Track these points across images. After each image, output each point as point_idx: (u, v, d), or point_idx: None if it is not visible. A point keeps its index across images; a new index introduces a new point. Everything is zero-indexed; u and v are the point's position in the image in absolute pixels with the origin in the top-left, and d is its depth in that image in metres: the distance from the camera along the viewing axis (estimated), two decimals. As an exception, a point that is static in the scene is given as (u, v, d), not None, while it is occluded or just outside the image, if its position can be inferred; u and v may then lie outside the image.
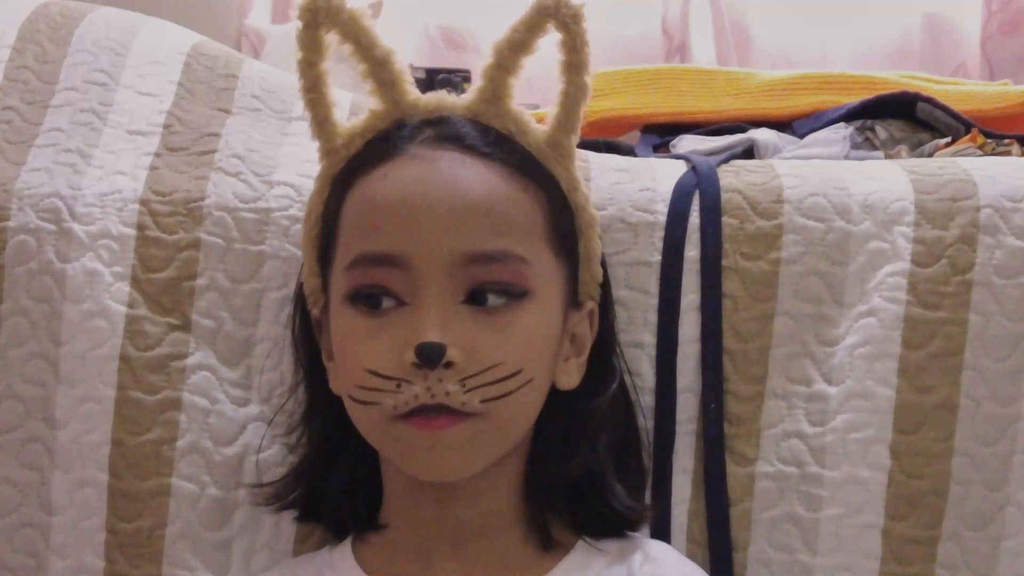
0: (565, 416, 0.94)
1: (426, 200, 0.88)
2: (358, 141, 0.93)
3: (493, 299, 0.88)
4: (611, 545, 0.95)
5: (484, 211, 0.89)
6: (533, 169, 0.92)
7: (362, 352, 0.89)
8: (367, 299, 0.89)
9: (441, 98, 0.94)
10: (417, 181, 0.89)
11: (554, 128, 0.93)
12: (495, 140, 0.92)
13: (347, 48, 0.92)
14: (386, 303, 0.89)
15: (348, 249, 0.91)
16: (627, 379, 0.99)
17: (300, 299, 0.99)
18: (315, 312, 0.97)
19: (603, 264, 0.98)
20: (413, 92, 0.94)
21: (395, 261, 0.88)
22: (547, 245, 0.92)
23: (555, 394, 0.94)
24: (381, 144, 0.92)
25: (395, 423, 0.88)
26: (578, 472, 0.94)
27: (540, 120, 0.95)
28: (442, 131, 0.92)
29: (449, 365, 0.86)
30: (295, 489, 0.98)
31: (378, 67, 0.92)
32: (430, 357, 0.86)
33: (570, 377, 0.95)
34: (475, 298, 0.88)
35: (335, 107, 0.94)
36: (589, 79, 0.92)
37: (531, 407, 0.91)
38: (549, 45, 0.92)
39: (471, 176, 0.90)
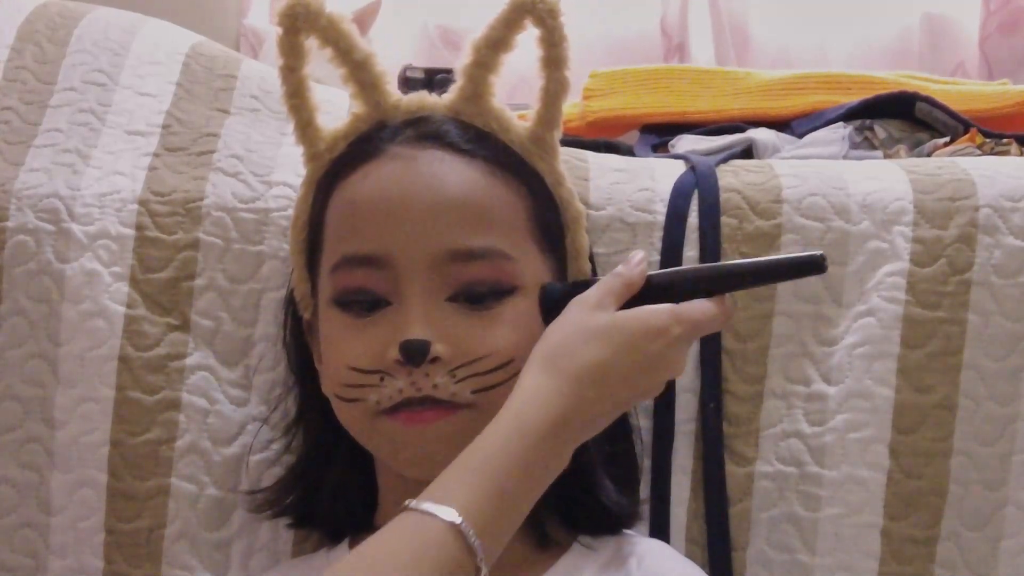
0: None
1: (406, 198, 0.88)
2: (341, 144, 0.93)
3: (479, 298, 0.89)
4: (608, 543, 0.94)
5: (464, 207, 0.89)
6: (515, 165, 0.92)
7: (346, 350, 0.89)
8: (356, 305, 0.89)
9: (422, 98, 0.94)
10: (396, 180, 0.89)
11: (536, 124, 0.93)
12: (475, 137, 0.92)
13: (327, 52, 0.91)
14: (375, 310, 0.89)
15: (332, 252, 0.91)
16: None
17: (291, 304, 0.99)
18: (306, 316, 0.97)
19: (591, 259, 0.98)
20: (395, 94, 0.94)
21: (378, 261, 0.88)
22: (532, 240, 0.92)
23: None
24: (362, 145, 0.92)
25: (380, 418, 0.88)
26: (569, 467, 0.94)
27: (525, 120, 0.95)
28: (422, 130, 0.92)
29: (435, 360, 0.86)
30: (289, 494, 0.98)
31: (359, 70, 0.92)
32: (414, 354, 0.86)
33: None
34: (459, 299, 0.88)
35: (318, 111, 0.93)
36: (569, 73, 0.92)
37: None
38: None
39: (451, 173, 0.90)
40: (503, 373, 0.87)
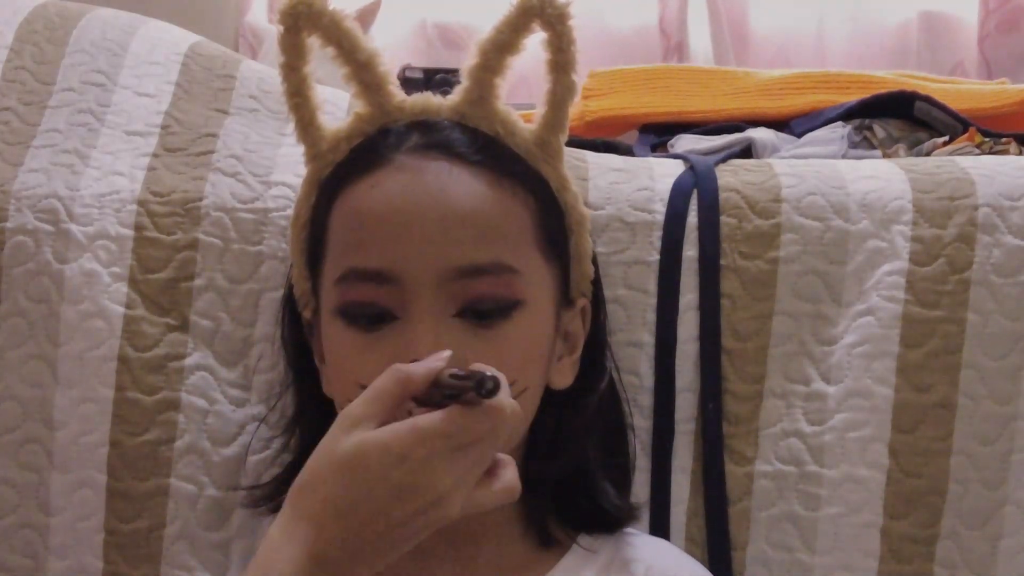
0: (557, 414, 0.94)
1: (414, 214, 0.87)
2: (344, 145, 0.92)
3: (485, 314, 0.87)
4: (607, 543, 0.95)
5: (472, 222, 0.88)
6: (521, 173, 0.91)
7: (355, 367, 0.88)
8: (362, 319, 0.88)
9: (427, 100, 0.93)
10: (404, 193, 0.88)
11: (542, 127, 0.92)
12: (482, 146, 0.91)
13: (330, 51, 0.90)
14: (381, 323, 0.87)
15: (337, 262, 0.90)
16: (616, 377, 0.99)
17: (290, 302, 0.98)
18: (306, 315, 0.96)
19: (594, 261, 0.97)
20: (398, 94, 0.93)
21: (385, 277, 0.87)
22: (537, 250, 0.91)
23: (548, 392, 0.94)
24: (367, 152, 0.91)
25: None
26: (568, 469, 0.94)
27: (529, 120, 0.94)
28: (429, 138, 0.90)
29: None
30: (286, 491, 0.98)
31: (362, 70, 0.91)
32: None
33: (564, 377, 0.95)
34: (466, 314, 0.87)
35: (320, 110, 0.93)
36: (576, 77, 0.91)
37: (527, 415, 0.91)
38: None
39: (459, 187, 0.89)
40: None
